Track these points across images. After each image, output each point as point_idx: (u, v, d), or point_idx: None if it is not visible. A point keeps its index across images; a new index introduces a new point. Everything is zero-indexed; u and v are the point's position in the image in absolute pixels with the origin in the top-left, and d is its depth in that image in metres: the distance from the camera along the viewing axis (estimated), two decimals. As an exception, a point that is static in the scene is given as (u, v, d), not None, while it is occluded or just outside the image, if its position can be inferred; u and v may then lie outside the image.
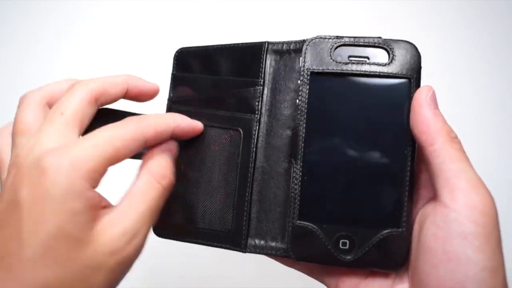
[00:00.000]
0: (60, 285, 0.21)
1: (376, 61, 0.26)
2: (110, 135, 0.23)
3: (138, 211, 0.23)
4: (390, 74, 0.26)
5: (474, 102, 0.55)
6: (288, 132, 0.28)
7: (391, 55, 0.26)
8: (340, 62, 0.26)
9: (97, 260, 0.22)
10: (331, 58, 0.26)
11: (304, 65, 0.27)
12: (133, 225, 0.23)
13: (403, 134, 0.25)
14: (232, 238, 0.28)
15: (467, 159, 0.23)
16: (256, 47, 0.29)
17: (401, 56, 0.26)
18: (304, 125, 0.26)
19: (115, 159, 0.23)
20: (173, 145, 0.27)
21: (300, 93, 0.26)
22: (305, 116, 0.26)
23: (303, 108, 0.26)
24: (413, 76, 0.25)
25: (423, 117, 0.24)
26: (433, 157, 0.23)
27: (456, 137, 0.24)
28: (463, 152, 0.23)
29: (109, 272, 0.22)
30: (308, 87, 0.26)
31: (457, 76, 0.56)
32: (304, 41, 0.27)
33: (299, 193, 0.26)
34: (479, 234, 0.21)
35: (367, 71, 0.26)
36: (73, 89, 0.25)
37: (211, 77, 0.30)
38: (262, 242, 0.28)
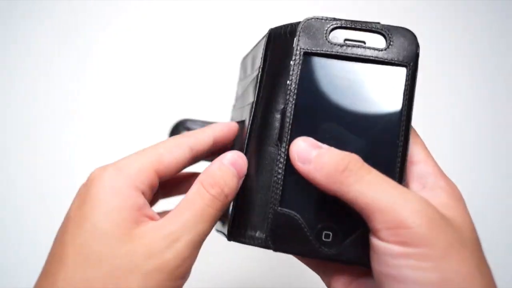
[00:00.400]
0: (88, 286, 0.20)
1: (372, 46, 0.25)
2: (153, 145, 0.25)
3: (182, 217, 0.23)
4: (386, 60, 0.25)
5: (469, 99, 0.55)
6: (279, 116, 0.27)
7: (388, 41, 0.25)
8: (335, 44, 0.25)
9: (131, 262, 0.21)
10: (326, 40, 0.25)
11: (297, 45, 0.26)
12: (175, 229, 0.22)
13: (396, 123, 0.24)
14: (228, 225, 0.27)
15: (371, 180, 0.21)
16: (265, 36, 0.29)
17: (399, 43, 0.25)
18: (293, 107, 0.25)
19: (160, 164, 0.24)
20: (235, 157, 0.26)
21: (291, 73, 0.25)
22: (294, 97, 0.25)
23: (293, 89, 0.25)
24: (409, 63, 0.25)
25: (302, 174, 0.23)
26: (348, 195, 0.21)
27: (346, 166, 0.21)
28: (363, 175, 0.21)
29: (143, 276, 0.21)
30: (300, 67, 0.25)
31: (454, 71, 0.56)
32: (298, 22, 0.26)
33: (282, 178, 0.24)
34: (412, 253, 0.19)
35: (362, 55, 0.25)
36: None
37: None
38: (243, 231, 0.26)
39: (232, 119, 0.36)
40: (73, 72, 0.55)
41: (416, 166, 0.24)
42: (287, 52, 0.26)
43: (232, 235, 0.26)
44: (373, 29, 0.25)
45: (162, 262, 0.21)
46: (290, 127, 0.25)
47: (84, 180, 0.24)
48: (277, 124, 0.26)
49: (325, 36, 0.25)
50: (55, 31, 0.56)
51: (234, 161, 0.26)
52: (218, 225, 0.30)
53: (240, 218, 0.26)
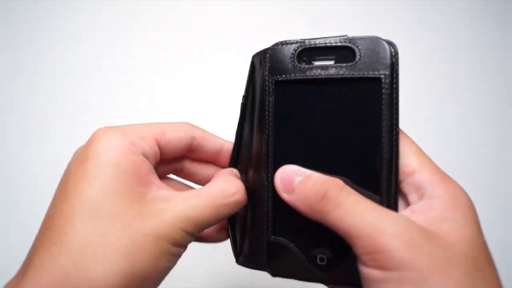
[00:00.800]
0: (102, 240, 0.20)
1: (342, 61, 0.24)
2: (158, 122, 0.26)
3: (209, 194, 0.24)
4: (357, 75, 0.23)
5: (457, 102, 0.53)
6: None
7: (358, 54, 0.23)
8: (304, 68, 0.24)
9: (144, 223, 0.21)
10: (295, 64, 0.25)
11: (267, 75, 0.25)
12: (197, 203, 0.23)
13: (378, 138, 0.23)
14: (234, 252, 0.28)
15: (348, 206, 0.21)
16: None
17: (369, 54, 0.23)
18: (272, 138, 0.25)
19: (162, 137, 0.25)
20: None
21: (266, 103, 0.25)
22: (272, 128, 0.25)
23: (271, 119, 0.25)
24: (384, 73, 0.23)
25: (291, 204, 0.23)
26: (331, 222, 0.21)
27: (324, 194, 0.21)
28: (341, 202, 0.21)
29: (155, 239, 0.21)
30: (273, 97, 0.25)
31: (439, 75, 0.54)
32: (266, 49, 0.26)
33: (271, 208, 0.25)
34: (391, 277, 0.19)
35: (332, 75, 0.24)
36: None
37: None
38: (248, 257, 0.27)
39: None
40: (83, 74, 0.55)
41: (412, 176, 0.23)
42: (263, 81, 0.26)
43: (239, 261, 0.27)
44: (340, 44, 0.24)
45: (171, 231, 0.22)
46: (272, 156, 0.25)
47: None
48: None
49: (293, 61, 0.25)
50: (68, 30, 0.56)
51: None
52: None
53: (243, 245, 0.27)
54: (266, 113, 0.25)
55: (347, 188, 0.21)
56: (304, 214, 0.22)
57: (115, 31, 0.56)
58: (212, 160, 0.29)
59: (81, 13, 0.57)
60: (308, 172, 0.23)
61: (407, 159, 0.23)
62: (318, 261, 0.24)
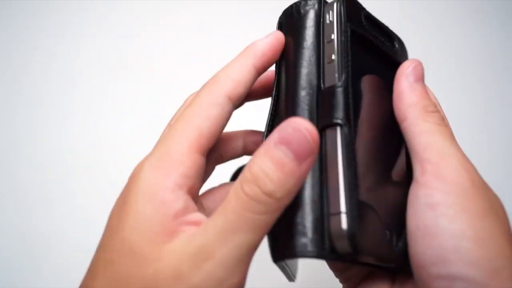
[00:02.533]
0: None
1: (389, 45, 0.25)
2: (185, 114, 0.21)
3: (214, 225, 0.17)
4: (398, 61, 0.24)
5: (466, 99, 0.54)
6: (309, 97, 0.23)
7: (396, 44, 0.25)
8: (373, 32, 0.23)
9: (158, 285, 0.17)
10: (363, 24, 0.23)
11: (345, 20, 0.22)
12: (205, 243, 0.17)
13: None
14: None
15: (443, 131, 0.21)
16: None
17: (400, 47, 0.25)
18: (350, 80, 0.21)
19: (201, 138, 0.20)
20: (289, 130, 0.17)
21: (337, 45, 0.21)
22: (349, 72, 0.21)
23: (344, 64, 0.21)
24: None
25: (398, 90, 0.22)
26: (406, 135, 0.21)
27: (435, 111, 0.21)
28: (441, 125, 0.21)
29: None
30: (349, 40, 0.22)
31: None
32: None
33: (356, 161, 0.20)
34: (452, 203, 0.19)
35: (389, 52, 0.24)
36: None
37: None
38: (288, 242, 0.20)
39: None
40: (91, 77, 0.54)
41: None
42: (303, 29, 0.23)
43: (278, 252, 0.19)
44: (386, 30, 0.25)
45: (190, 286, 0.17)
46: (352, 102, 0.20)
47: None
48: (305, 106, 0.21)
49: (362, 20, 0.23)
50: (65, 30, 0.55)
51: (287, 139, 0.17)
52: None
53: (281, 226, 0.19)
54: (336, 57, 0.21)
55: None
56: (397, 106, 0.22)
57: (120, 31, 0.55)
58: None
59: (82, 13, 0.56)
60: None
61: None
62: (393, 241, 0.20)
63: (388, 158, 0.23)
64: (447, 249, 0.18)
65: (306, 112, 0.21)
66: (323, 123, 0.20)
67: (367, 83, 0.23)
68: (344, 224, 0.18)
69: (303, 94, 0.21)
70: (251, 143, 0.27)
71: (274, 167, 0.17)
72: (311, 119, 0.21)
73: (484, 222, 0.19)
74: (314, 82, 0.21)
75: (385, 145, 0.23)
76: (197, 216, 0.19)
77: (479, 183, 0.20)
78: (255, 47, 0.23)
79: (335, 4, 0.22)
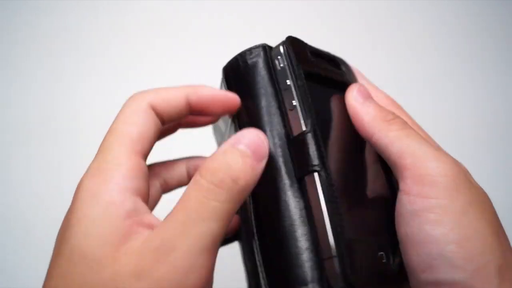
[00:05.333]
0: None
1: (335, 68, 0.25)
2: (118, 119, 0.21)
3: (175, 219, 0.18)
4: (348, 82, 0.24)
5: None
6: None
7: (342, 67, 0.25)
8: (322, 65, 0.23)
9: (118, 286, 0.16)
10: (310, 60, 0.23)
11: (296, 64, 0.22)
12: (167, 237, 0.17)
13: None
14: None
15: (410, 134, 0.21)
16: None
17: (346, 68, 0.25)
18: (315, 125, 0.21)
19: (137, 143, 0.20)
20: (247, 135, 0.20)
21: (295, 92, 0.22)
22: (312, 117, 0.21)
23: (306, 109, 0.21)
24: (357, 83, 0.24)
25: (353, 113, 0.22)
26: (378, 149, 0.22)
27: (394, 118, 0.22)
28: (405, 128, 0.21)
29: None
30: (304, 85, 0.21)
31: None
32: (261, 46, 0.23)
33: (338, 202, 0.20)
34: (433, 207, 0.19)
35: (338, 79, 0.24)
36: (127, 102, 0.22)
37: None
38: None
39: None
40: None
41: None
42: (255, 79, 0.23)
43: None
44: (330, 54, 0.25)
45: (156, 280, 0.16)
46: (323, 142, 0.21)
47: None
48: (281, 158, 0.21)
49: (309, 57, 0.23)
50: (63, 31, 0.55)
51: (246, 141, 0.20)
52: None
53: (279, 277, 0.20)
54: (297, 103, 0.21)
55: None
56: (359, 126, 0.22)
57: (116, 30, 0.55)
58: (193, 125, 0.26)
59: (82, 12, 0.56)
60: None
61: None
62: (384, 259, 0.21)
63: (366, 178, 0.23)
64: (432, 255, 0.18)
65: (282, 166, 0.21)
66: (300, 172, 0.21)
67: (330, 117, 0.23)
68: (337, 268, 0.19)
69: (272, 147, 0.21)
70: (194, 167, 0.27)
71: (239, 157, 0.19)
72: (287, 169, 0.21)
73: (468, 217, 0.19)
74: (281, 131, 0.22)
75: (361, 167, 0.23)
76: (151, 218, 0.19)
77: (458, 176, 0.19)
78: (198, 87, 0.23)
79: (281, 48, 0.22)
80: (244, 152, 0.19)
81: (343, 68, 0.25)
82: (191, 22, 0.55)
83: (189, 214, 0.17)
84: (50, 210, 0.48)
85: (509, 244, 0.20)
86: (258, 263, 0.21)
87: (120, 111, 0.21)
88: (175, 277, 0.17)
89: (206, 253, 0.17)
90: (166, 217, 0.18)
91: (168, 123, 0.23)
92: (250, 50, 0.23)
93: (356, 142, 0.23)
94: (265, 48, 0.23)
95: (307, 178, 0.20)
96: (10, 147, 0.51)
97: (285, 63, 0.22)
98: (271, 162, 0.21)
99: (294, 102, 0.21)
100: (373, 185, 0.24)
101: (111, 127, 0.21)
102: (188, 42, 0.54)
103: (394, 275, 0.21)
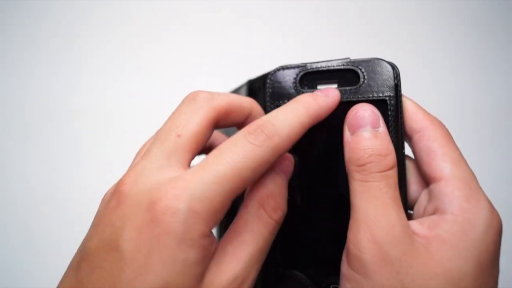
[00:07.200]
0: None
1: (346, 85, 0.24)
2: (233, 161, 0.18)
3: (248, 252, 0.19)
4: (362, 98, 0.23)
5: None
6: None
7: (361, 77, 0.23)
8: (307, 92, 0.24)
9: None
10: (298, 89, 0.24)
11: (268, 100, 0.25)
12: (243, 269, 0.19)
13: None
14: None
15: (373, 191, 0.20)
16: (244, 85, 0.29)
17: (373, 77, 0.23)
18: None
19: (240, 190, 0.19)
20: (288, 164, 0.23)
21: None
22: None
23: None
24: (389, 95, 0.23)
25: (344, 144, 0.22)
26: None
27: (366, 163, 0.21)
28: (373, 180, 0.20)
29: None
30: None
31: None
32: (267, 74, 0.25)
33: (281, 239, 0.23)
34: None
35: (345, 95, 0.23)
36: (195, 106, 0.21)
37: None
38: None
39: None
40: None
41: (438, 183, 0.21)
42: (264, 107, 0.25)
43: None
44: (343, 67, 0.24)
45: None
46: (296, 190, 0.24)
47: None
48: None
49: (296, 85, 0.25)
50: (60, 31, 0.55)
51: (287, 170, 0.23)
52: None
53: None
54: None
55: (395, 179, 0.21)
56: (347, 160, 0.21)
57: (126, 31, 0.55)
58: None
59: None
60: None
61: (441, 163, 0.21)
62: None
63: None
64: None
65: None
66: None
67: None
68: None
69: None
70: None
71: (285, 195, 0.22)
72: None
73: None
74: None
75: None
76: (216, 243, 0.20)
77: (388, 254, 0.19)
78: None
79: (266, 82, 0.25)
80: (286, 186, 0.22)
81: (363, 79, 0.23)
82: (191, 22, 0.55)
83: (259, 249, 0.20)
84: (48, 208, 0.50)
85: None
86: None
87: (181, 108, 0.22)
88: None
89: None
90: (234, 243, 0.20)
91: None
92: (259, 78, 0.27)
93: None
94: (260, 79, 0.26)
95: None
96: (8, 145, 0.51)
97: (266, 100, 0.25)
98: None
99: None
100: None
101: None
102: (188, 41, 0.54)
103: None
